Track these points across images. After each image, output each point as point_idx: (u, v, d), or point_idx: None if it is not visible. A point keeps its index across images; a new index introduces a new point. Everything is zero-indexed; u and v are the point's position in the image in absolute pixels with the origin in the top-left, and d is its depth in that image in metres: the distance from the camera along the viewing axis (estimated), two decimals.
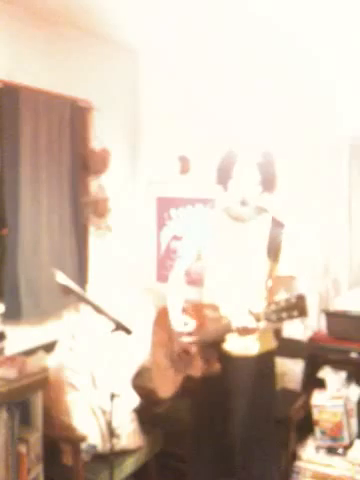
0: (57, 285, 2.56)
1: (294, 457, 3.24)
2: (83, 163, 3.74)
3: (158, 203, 4.28)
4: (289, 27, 3.29)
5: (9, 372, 2.69)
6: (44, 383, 2.82)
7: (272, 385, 2.79)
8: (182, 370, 2.66)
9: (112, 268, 4.04)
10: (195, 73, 3.99)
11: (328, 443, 3.21)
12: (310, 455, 3.21)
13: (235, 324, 2.47)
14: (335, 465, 3.13)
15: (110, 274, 4.02)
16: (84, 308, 3.20)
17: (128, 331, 2.53)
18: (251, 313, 2.42)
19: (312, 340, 3.49)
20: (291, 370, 3.60)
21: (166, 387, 2.70)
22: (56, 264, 3.31)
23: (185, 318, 2.64)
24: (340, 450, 3.18)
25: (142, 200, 4.31)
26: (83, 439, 2.87)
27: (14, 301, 3.24)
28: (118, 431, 3.02)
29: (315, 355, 3.49)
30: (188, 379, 2.67)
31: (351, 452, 3.16)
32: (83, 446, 2.88)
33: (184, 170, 4.13)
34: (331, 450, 3.20)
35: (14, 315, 3.23)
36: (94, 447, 2.94)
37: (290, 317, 2.35)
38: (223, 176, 2.63)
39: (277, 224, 2.66)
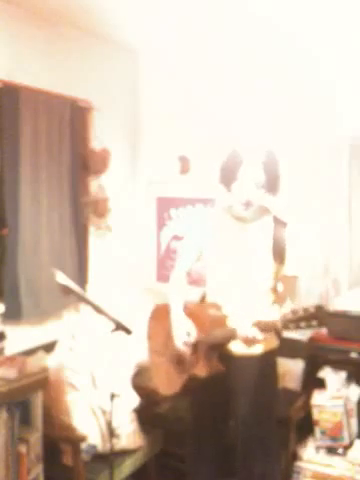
0: (57, 285, 2.56)
1: (294, 457, 3.23)
2: (83, 163, 3.74)
3: (158, 203, 4.27)
4: (289, 27, 3.29)
5: (9, 372, 2.69)
6: (44, 383, 2.82)
7: (274, 384, 2.79)
8: (186, 370, 2.66)
9: (112, 268, 4.04)
10: (195, 73, 3.99)
11: (328, 443, 3.21)
12: (310, 455, 3.21)
13: (241, 334, 2.47)
14: (335, 465, 3.13)
15: (110, 274, 4.01)
16: (84, 308, 3.20)
17: (128, 331, 2.53)
18: (258, 324, 2.43)
19: (312, 340, 3.48)
20: (291, 370, 3.60)
21: (166, 384, 2.71)
22: (56, 264, 3.31)
23: (187, 326, 2.64)
24: (340, 450, 3.18)
25: (142, 200, 4.31)
26: (83, 439, 2.87)
27: (14, 301, 3.24)
28: (118, 431, 3.02)
29: (315, 355, 3.49)
30: (189, 378, 2.67)
31: (351, 452, 3.16)
32: (83, 446, 2.88)
33: (184, 170, 4.13)
34: (331, 450, 3.20)
35: (14, 315, 3.23)
36: (94, 447, 2.94)
37: (309, 327, 2.37)
38: (227, 176, 2.61)
39: (280, 224, 2.66)
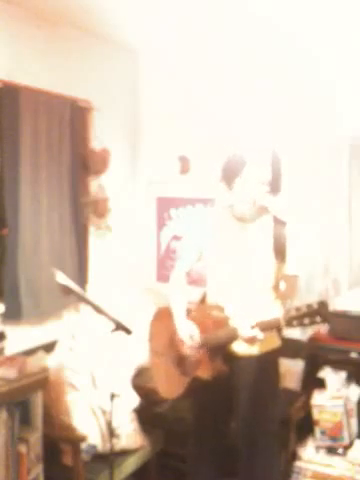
0: (57, 285, 2.56)
1: (294, 457, 3.24)
2: (83, 163, 3.74)
3: (158, 203, 4.27)
4: (289, 27, 3.29)
5: (9, 372, 2.69)
6: (44, 383, 2.82)
7: (276, 384, 2.78)
8: (190, 372, 2.66)
9: (112, 268, 4.04)
10: (195, 73, 3.99)
11: (328, 443, 3.21)
12: (310, 455, 3.21)
13: (242, 334, 2.47)
14: (335, 465, 3.13)
15: (110, 274, 4.01)
16: (84, 308, 3.20)
17: (128, 331, 2.53)
18: (260, 323, 2.43)
19: (312, 340, 3.48)
20: (291, 370, 3.60)
21: (167, 386, 2.71)
22: (56, 264, 3.30)
23: (191, 329, 2.64)
24: (340, 450, 3.18)
25: (142, 200, 4.31)
26: (83, 439, 2.87)
27: (14, 301, 3.24)
28: (118, 431, 3.02)
29: (315, 355, 3.49)
30: (191, 379, 2.67)
31: (351, 452, 3.16)
32: (83, 446, 2.88)
33: (184, 170, 4.13)
34: (331, 450, 3.20)
35: (14, 315, 3.23)
36: (94, 447, 2.94)
37: (312, 323, 2.37)
38: (229, 176, 2.61)
39: (280, 223, 2.66)
